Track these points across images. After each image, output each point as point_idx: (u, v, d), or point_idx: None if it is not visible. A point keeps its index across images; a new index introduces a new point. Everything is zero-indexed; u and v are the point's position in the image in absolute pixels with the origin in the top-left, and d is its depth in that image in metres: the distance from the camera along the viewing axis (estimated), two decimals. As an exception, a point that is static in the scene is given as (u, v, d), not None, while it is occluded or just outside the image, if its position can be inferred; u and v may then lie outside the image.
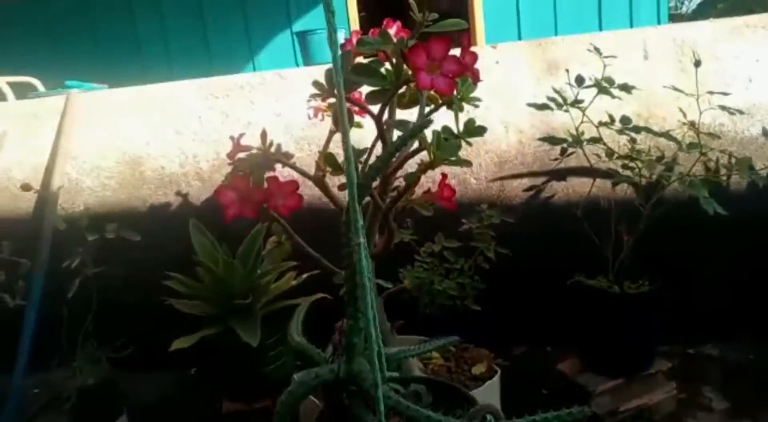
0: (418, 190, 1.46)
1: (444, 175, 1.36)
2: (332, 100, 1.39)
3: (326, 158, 1.31)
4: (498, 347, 2.07)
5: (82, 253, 2.01)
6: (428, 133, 1.15)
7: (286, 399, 1.08)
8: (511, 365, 2.21)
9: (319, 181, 1.49)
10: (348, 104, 1.37)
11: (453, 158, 1.10)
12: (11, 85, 2.69)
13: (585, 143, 1.76)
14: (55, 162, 2.34)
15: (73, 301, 1.98)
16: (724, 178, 2.04)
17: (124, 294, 2.45)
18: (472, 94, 1.37)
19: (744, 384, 2.09)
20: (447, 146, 1.11)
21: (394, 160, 1.39)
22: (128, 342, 2.07)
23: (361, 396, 1.09)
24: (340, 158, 1.39)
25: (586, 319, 1.99)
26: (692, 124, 1.69)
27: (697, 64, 1.62)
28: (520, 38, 4.77)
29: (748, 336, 2.35)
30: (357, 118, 1.51)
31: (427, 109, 1.43)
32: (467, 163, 1.14)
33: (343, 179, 1.45)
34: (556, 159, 2.21)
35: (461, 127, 1.29)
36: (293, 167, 1.46)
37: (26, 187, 1.99)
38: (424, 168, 1.16)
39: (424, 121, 0.96)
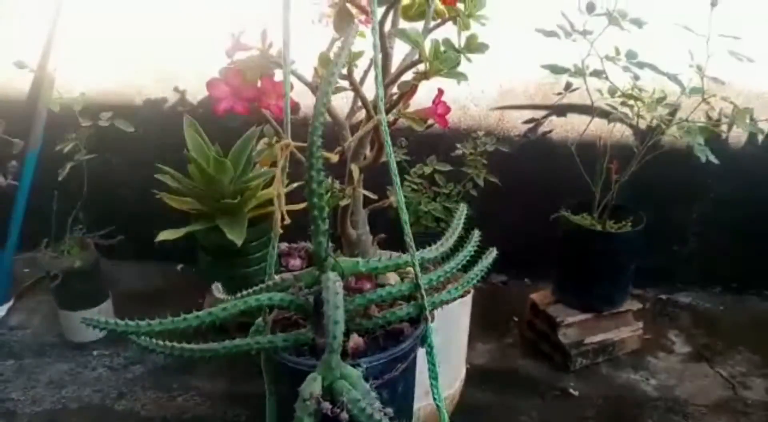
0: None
1: (440, 90, 1.34)
2: (335, 1, 1.35)
3: (321, 59, 1.28)
4: (476, 273, 2.12)
5: (75, 138, 2.01)
6: (427, 43, 1.13)
7: (336, 316, 0.91)
8: (485, 289, 2.28)
9: (316, 89, 1.47)
10: (353, 10, 1.34)
11: (448, 71, 1.08)
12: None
13: (588, 76, 1.73)
14: (51, 44, 2.29)
15: (64, 186, 2.00)
16: (725, 128, 2.02)
17: (116, 183, 2.48)
18: (481, 12, 1.34)
19: (709, 332, 2.16)
20: (445, 58, 1.09)
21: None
22: (117, 230, 2.10)
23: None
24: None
25: (564, 253, 2.03)
26: (698, 68, 1.66)
27: (713, 3, 1.57)
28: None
29: (722, 287, 2.41)
30: (362, 28, 1.47)
31: (432, 24, 1.41)
32: (463, 76, 1.12)
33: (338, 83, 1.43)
34: (559, 93, 2.18)
35: (463, 42, 1.26)
36: (292, 72, 1.44)
37: (20, 65, 1.96)
38: (418, 78, 1.15)
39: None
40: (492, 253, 1.26)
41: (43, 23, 2.32)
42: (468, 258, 1.23)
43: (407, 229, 1.07)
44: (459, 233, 1.27)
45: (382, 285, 1.26)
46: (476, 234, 1.27)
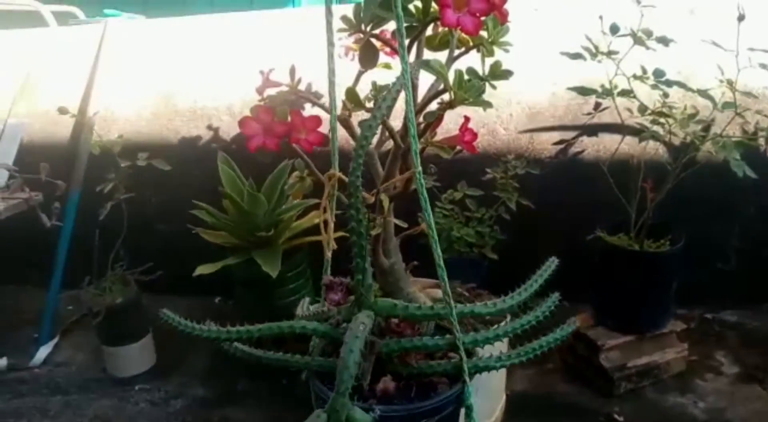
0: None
1: (467, 118, 1.35)
2: (360, 36, 1.38)
3: (348, 94, 1.31)
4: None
5: (115, 179, 2.07)
6: (451, 73, 1.14)
7: (348, 361, 0.93)
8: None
9: (345, 121, 1.49)
10: (377, 43, 1.36)
11: (473, 99, 1.09)
12: (54, 13, 2.73)
13: (616, 96, 1.71)
14: (91, 89, 2.40)
15: (105, 224, 2.06)
16: (761, 141, 1.98)
17: (154, 220, 2.55)
18: (504, 39, 1.35)
19: (759, 351, 2.08)
20: (469, 86, 1.10)
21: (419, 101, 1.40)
22: (156, 266, 2.15)
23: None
24: (363, 94, 1.40)
25: (602, 275, 1.99)
26: (729, 82, 1.64)
27: (741, 18, 1.55)
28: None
29: (769, 305, 2.33)
30: (387, 59, 1.50)
31: (456, 52, 1.43)
32: (488, 104, 1.13)
33: (364, 116, 1.46)
34: (589, 113, 2.17)
35: (487, 70, 1.28)
36: (321, 106, 1.47)
37: (63, 111, 2.05)
38: (444, 107, 1.16)
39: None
40: (571, 326, 1.16)
41: (83, 70, 2.43)
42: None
43: (447, 289, 1.04)
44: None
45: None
46: (554, 298, 1.16)
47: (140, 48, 2.43)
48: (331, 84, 1.09)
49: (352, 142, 1.87)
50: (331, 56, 1.07)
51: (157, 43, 2.42)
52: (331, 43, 1.11)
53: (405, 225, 1.59)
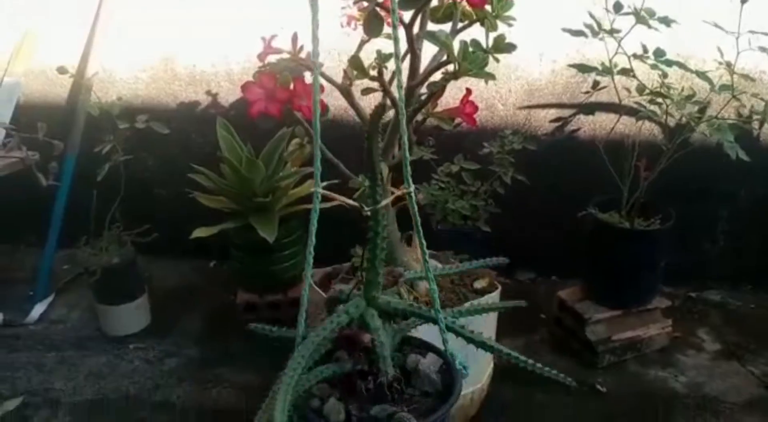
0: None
1: (468, 90, 1.37)
2: (365, 4, 1.38)
3: (352, 61, 1.32)
4: (504, 271, 2.14)
5: (113, 140, 2.08)
6: (456, 44, 1.16)
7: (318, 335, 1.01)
8: (513, 287, 2.29)
9: (345, 90, 1.50)
10: (381, 12, 1.37)
11: (477, 71, 1.11)
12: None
13: (615, 74, 1.73)
14: (90, 49, 2.38)
15: (102, 185, 2.07)
16: (756, 125, 2.00)
17: (152, 183, 2.56)
18: (508, 13, 1.36)
19: (740, 330, 2.14)
20: (473, 58, 1.12)
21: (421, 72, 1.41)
22: (153, 228, 2.17)
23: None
24: (367, 63, 1.41)
25: (592, 251, 2.03)
26: (728, 65, 1.65)
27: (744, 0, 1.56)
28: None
29: (753, 285, 2.39)
30: (388, 29, 1.50)
31: (460, 25, 1.44)
32: (491, 76, 1.15)
33: (366, 84, 1.47)
34: (587, 92, 2.18)
35: (491, 43, 1.29)
36: (321, 74, 1.48)
37: (62, 70, 2.03)
38: (448, 78, 1.17)
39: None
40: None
41: (83, 29, 2.40)
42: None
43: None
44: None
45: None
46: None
47: (140, 10, 2.40)
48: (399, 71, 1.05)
49: (351, 111, 1.87)
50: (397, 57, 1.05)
51: (157, 5, 2.39)
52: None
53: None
